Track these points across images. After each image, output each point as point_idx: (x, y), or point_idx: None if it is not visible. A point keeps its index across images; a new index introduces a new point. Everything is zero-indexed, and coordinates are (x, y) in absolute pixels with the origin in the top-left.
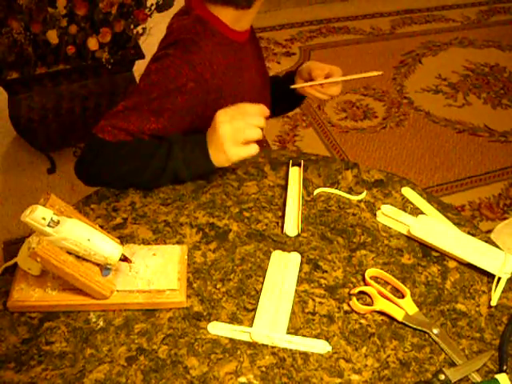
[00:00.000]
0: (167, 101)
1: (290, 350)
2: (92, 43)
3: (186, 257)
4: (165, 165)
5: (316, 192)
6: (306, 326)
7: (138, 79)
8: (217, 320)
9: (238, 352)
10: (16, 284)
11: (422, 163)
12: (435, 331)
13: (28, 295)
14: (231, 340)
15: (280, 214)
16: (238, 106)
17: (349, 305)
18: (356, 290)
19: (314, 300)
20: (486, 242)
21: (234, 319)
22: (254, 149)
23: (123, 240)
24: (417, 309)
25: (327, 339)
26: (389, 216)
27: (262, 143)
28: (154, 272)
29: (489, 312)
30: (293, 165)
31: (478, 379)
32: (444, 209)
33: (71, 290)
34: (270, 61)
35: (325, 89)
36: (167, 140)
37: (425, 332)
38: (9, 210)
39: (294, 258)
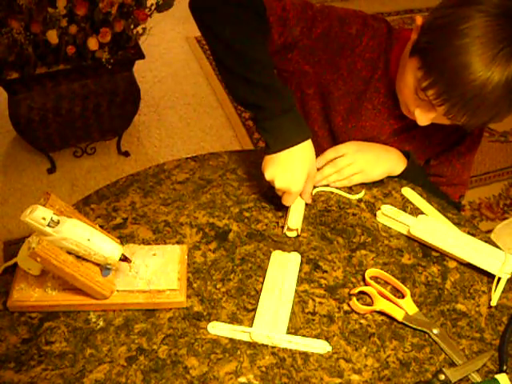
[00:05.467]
0: (328, 18)
1: (290, 350)
2: (92, 43)
3: (186, 257)
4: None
5: (315, 191)
6: (306, 326)
7: (138, 79)
8: (217, 320)
9: (238, 352)
10: (16, 284)
11: None
12: (435, 331)
13: (28, 295)
14: (231, 340)
15: (280, 214)
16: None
17: (349, 305)
18: (356, 290)
19: (314, 300)
20: (486, 242)
21: (234, 319)
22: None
23: (123, 240)
24: (417, 309)
25: (327, 339)
26: (389, 216)
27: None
28: (154, 272)
29: (489, 312)
30: None
31: (478, 379)
32: (444, 209)
33: (71, 290)
34: None
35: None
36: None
37: (425, 332)
38: (9, 209)
39: (294, 258)
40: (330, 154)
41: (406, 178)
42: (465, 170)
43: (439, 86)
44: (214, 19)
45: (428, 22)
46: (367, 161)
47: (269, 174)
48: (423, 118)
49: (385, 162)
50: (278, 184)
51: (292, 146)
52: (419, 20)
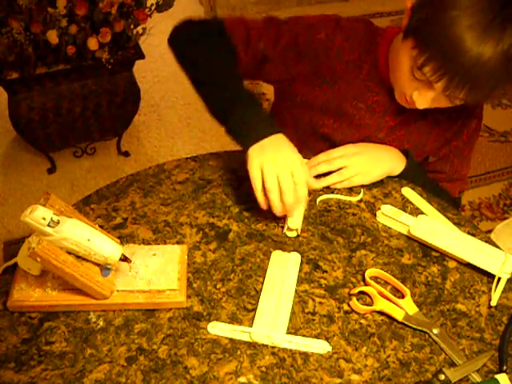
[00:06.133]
0: (294, 28)
1: (290, 350)
2: (92, 43)
3: (186, 257)
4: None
5: (319, 199)
6: (306, 326)
7: (138, 79)
8: (217, 320)
9: (238, 352)
10: (16, 284)
11: None
12: (435, 331)
13: (28, 295)
14: (231, 340)
15: None
16: (284, 163)
17: (349, 305)
18: (356, 290)
19: (313, 300)
20: (486, 242)
21: (234, 319)
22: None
23: (123, 240)
24: (417, 309)
25: (327, 339)
26: (389, 216)
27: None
28: (154, 272)
29: (489, 312)
30: None
31: (478, 379)
32: (444, 209)
33: (71, 290)
34: None
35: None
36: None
37: (425, 332)
38: (9, 209)
39: (294, 258)
40: (324, 156)
41: (406, 177)
42: (464, 165)
43: (435, 60)
44: (185, 49)
45: (418, 1)
46: (367, 162)
47: (254, 166)
48: (422, 100)
49: (384, 162)
50: (268, 168)
51: (267, 136)
52: (409, 2)
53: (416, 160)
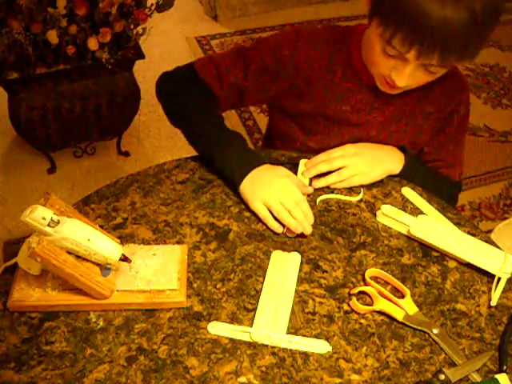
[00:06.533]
0: (258, 53)
1: (290, 350)
2: (92, 43)
3: (186, 257)
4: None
5: (319, 199)
6: (306, 326)
7: (138, 79)
8: (217, 320)
9: (238, 352)
10: (16, 284)
11: None
12: (435, 331)
13: (28, 295)
14: (231, 340)
15: None
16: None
17: (349, 305)
18: (356, 290)
19: (314, 300)
20: (486, 242)
21: (234, 319)
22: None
23: (123, 240)
24: (417, 309)
25: (327, 339)
26: (389, 216)
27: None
28: (154, 272)
29: (489, 312)
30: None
31: (478, 379)
32: (444, 209)
33: (71, 290)
34: None
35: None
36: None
37: (425, 332)
38: (9, 210)
39: (294, 258)
40: (324, 156)
41: (406, 174)
42: (459, 149)
43: (401, 31)
44: (167, 104)
45: None
46: (366, 162)
47: (257, 204)
48: (400, 76)
49: (384, 162)
50: (270, 200)
51: (251, 170)
52: None
53: (414, 155)
